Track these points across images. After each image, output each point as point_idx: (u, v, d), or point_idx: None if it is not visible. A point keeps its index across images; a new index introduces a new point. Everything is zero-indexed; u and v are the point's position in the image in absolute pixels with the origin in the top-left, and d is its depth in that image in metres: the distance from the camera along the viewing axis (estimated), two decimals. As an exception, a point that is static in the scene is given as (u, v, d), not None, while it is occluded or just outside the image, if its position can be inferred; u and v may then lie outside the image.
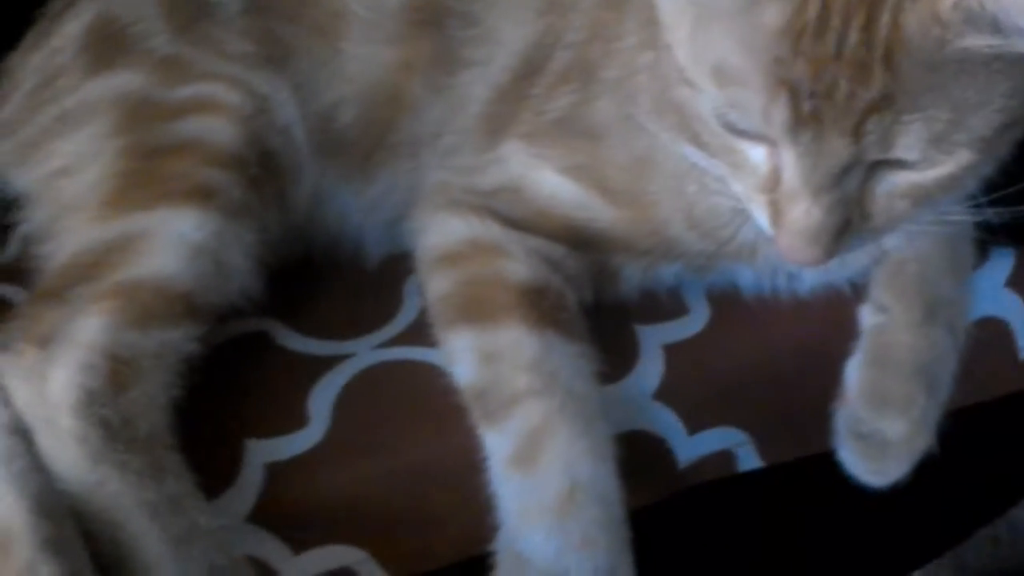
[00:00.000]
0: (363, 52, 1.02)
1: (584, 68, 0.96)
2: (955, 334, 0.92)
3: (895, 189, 0.77)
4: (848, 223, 0.77)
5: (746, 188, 0.80)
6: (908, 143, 0.73)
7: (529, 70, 0.99)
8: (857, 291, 0.96)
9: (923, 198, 0.78)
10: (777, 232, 0.79)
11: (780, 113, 0.73)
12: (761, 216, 0.80)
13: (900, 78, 0.70)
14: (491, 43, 1.01)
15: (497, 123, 0.99)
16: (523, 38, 1.00)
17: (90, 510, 0.76)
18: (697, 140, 0.82)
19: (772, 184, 0.78)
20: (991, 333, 0.98)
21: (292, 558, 0.81)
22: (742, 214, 0.85)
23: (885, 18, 0.70)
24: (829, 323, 0.95)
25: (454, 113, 1.01)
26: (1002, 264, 1.00)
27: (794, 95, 0.72)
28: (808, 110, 0.72)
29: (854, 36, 0.70)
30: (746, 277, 0.97)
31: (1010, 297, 0.99)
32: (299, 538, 0.82)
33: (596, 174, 0.94)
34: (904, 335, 0.90)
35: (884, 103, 0.71)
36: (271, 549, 0.81)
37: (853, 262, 0.95)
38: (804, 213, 0.76)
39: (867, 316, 0.93)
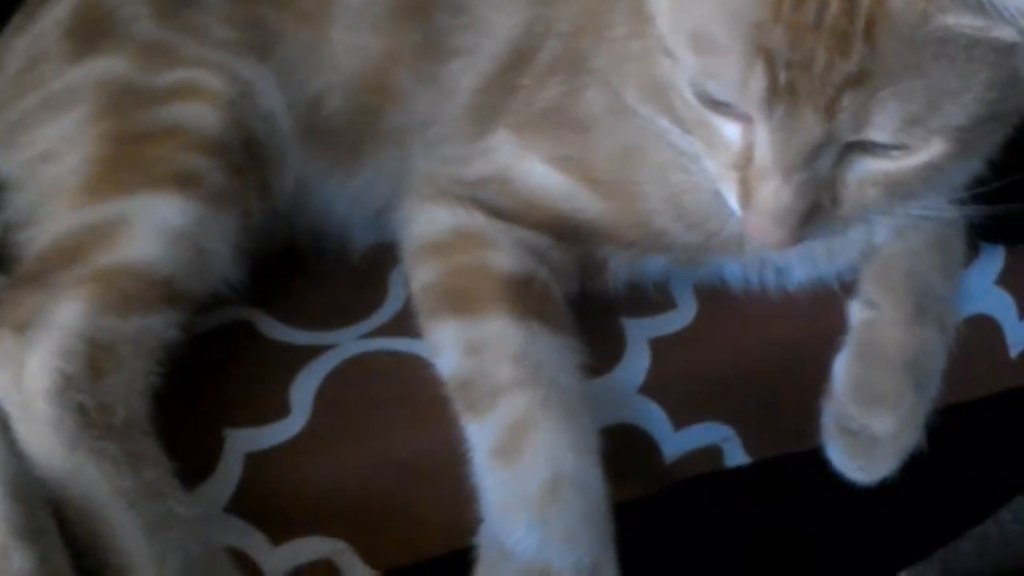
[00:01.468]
0: (349, 40, 1.01)
1: (573, 58, 0.96)
2: (945, 331, 0.91)
3: (867, 176, 0.76)
4: (818, 207, 0.76)
5: (718, 165, 0.80)
6: (882, 123, 0.72)
7: (518, 60, 0.99)
8: (845, 286, 0.95)
9: (895, 187, 0.77)
10: (745, 212, 0.78)
11: (756, 83, 0.72)
12: (731, 194, 0.80)
13: (879, 53, 0.69)
14: (479, 32, 1.00)
15: (485, 113, 0.98)
16: (512, 28, 0.99)
17: (65, 497, 0.75)
18: (673, 114, 0.82)
19: (744, 161, 0.77)
20: (981, 330, 0.97)
21: (272, 549, 0.81)
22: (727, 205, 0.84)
23: None
24: (817, 318, 0.94)
25: (441, 103, 1.00)
26: (992, 261, 0.99)
27: (771, 64, 0.71)
28: (784, 81, 0.71)
29: (836, 5, 0.69)
30: (734, 271, 0.97)
31: (1000, 294, 0.99)
32: (279, 529, 0.81)
33: (583, 165, 0.93)
34: (893, 331, 0.89)
35: (861, 78, 0.70)
36: (250, 539, 0.80)
37: (842, 257, 0.94)
38: (773, 192, 0.75)
39: (856, 311, 0.92)
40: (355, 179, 1.03)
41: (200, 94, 0.94)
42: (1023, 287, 0.99)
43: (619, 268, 0.95)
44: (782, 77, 0.71)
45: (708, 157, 0.81)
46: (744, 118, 0.76)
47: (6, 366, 0.80)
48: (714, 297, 0.97)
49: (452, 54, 1.00)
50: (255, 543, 0.80)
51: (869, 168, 0.76)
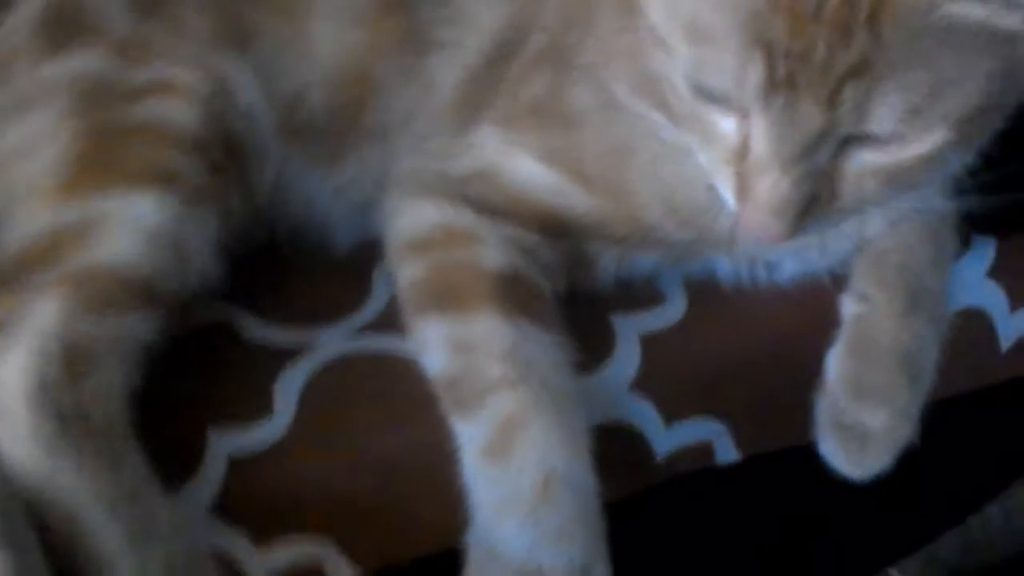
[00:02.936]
0: (329, 33, 0.99)
1: (559, 53, 0.94)
2: (937, 324, 0.91)
3: (866, 167, 0.75)
4: (815, 200, 0.75)
5: (713, 159, 0.78)
6: (883, 114, 0.71)
7: (503, 53, 0.97)
8: (837, 281, 0.94)
9: (895, 178, 0.76)
10: (741, 206, 0.77)
11: (754, 74, 0.70)
12: (726, 189, 0.78)
13: (882, 43, 0.68)
14: (463, 25, 0.98)
15: (470, 108, 0.97)
16: (497, 20, 0.98)
17: (44, 502, 0.74)
18: (665, 108, 0.80)
19: (740, 155, 0.76)
20: (972, 323, 0.97)
21: (256, 551, 0.79)
22: (720, 200, 0.83)
23: None
24: (809, 313, 0.94)
25: (425, 97, 0.99)
26: (984, 254, 0.99)
27: (769, 55, 0.70)
28: (783, 72, 0.70)
29: None
30: (725, 267, 0.96)
31: (991, 287, 0.98)
32: (263, 530, 0.80)
33: (572, 160, 0.92)
34: (886, 324, 0.89)
35: (863, 69, 0.69)
36: (235, 542, 0.79)
37: (833, 251, 0.94)
38: (771, 185, 0.74)
39: (848, 305, 0.91)
40: (338, 175, 1.01)
41: (177, 90, 0.92)
42: (1014, 280, 0.99)
43: (609, 264, 0.94)
44: (781, 68, 0.70)
45: (702, 151, 0.79)
46: (740, 111, 0.74)
47: (-19, 369, 0.78)
48: (704, 292, 0.96)
49: (435, 47, 0.99)
50: (240, 545, 0.79)
51: (868, 159, 0.74)
